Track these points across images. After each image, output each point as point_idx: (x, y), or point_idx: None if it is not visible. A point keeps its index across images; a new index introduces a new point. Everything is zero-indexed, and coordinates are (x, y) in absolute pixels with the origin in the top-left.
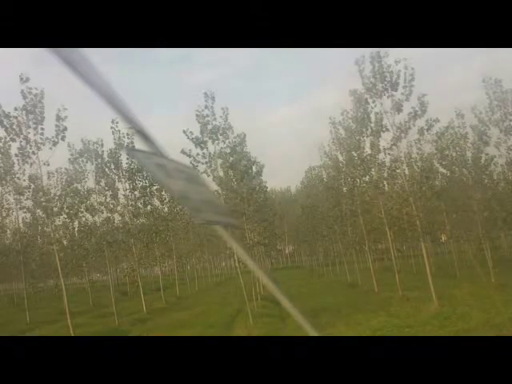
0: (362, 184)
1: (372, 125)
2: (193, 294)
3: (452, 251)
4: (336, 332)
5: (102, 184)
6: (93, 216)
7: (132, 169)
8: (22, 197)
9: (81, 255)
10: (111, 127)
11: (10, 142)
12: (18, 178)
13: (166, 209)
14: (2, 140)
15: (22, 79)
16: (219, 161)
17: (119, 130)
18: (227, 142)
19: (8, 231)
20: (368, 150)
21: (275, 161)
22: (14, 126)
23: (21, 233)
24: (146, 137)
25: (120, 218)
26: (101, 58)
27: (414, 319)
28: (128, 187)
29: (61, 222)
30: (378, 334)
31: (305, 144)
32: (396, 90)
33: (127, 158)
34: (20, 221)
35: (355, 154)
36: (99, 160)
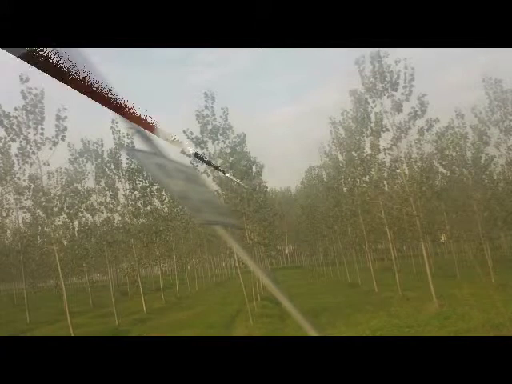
0: (362, 184)
1: (372, 125)
2: (193, 294)
3: (452, 251)
4: (336, 332)
5: (102, 184)
6: (93, 216)
7: (132, 169)
8: (22, 197)
9: (81, 255)
10: (111, 127)
11: (10, 142)
12: (18, 178)
13: (166, 209)
14: (2, 140)
15: (21, 79)
16: (219, 161)
17: (119, 130)
18: (227, 142)
19: (8, 231)
20: (368, 150)
21: (275, 161)
22: (14, 126)
23: (21, 233)
24: (146, 137)
25: (120, 218)
26: (101, 58)
27: (414, 319)
28: (128, 187)
29: (61, 222)
30: (378, 333)
31: (305, 144)
32: (396, 90)
33: (127, 158)
34: (20, 221)
35: (355, 154)
36: (99, 160)
